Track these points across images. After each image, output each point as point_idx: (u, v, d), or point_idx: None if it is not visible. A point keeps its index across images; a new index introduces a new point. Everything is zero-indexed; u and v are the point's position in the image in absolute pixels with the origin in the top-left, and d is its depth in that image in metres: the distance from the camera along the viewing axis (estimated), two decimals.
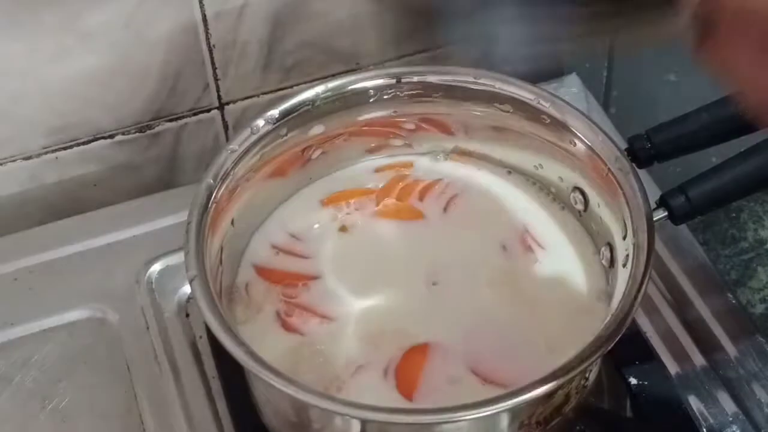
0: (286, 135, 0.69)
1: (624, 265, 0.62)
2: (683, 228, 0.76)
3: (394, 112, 0.71)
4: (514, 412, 0.59)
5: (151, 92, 0.82)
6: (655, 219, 0.62)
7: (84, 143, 0.83)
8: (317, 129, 0.70)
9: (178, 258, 0.72)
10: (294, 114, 0.69)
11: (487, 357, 0.63)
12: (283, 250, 0.70)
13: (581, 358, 0.56)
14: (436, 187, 0.73)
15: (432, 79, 0.70)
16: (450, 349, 0.64)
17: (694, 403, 0.68)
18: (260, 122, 0.67)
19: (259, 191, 0.70)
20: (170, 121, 0.85)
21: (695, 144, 0.67)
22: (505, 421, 0.59)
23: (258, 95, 0.86)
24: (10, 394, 0.69)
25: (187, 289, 0.73)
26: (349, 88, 0.70)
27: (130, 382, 0.69)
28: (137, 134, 0.84)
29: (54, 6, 0.75)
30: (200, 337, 0.71)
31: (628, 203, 0.63)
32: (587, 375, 0.63)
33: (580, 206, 0.70)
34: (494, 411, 0.56)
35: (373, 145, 0.74)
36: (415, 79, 0.70)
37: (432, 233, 0.71)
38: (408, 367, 0.63)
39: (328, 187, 0.73)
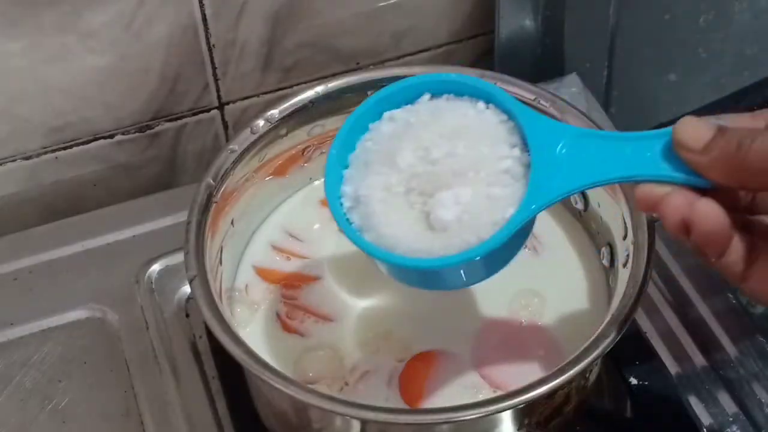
0: (286, 135, 0.69)
1: (624, 265, 0.62)
2: None
3: None
4: (514, 412, 0.59)
5: (151, 92, 0.82)
6: (655, 219, 0.62)
7: (83, 143, 0.83)
8: (317, 129, 0.70)
9: (177, 258, 0.72)
10: (294, 114, 0.68)
11: (494, 363, 0.63)
12: (283, 250, 0.70)
13: (581, 358, 0.56)
14: None
15: None
16: (455, 356, 0.64)
17: (694, 403, 0.67)
18: (260, 122, 0.67)
19: (259, 191, 0.69)
20: (170, 120, 0.85)
21: None
22: (505, 421, 0.59)
23: (258, 95, 0.86)
24: (9, 394, 0.69)
25: (186, 289, 0.72)
26: (349, 87, 0.70)
27: (130, 382, 0.69)
28: (137, 134, 0.84)
29: (54, 6, 0.74)
30: (200, 337, 0.71)
31: (628, 203, 0.63)
32: (588, 375, 0.63)
33: (580, 206, 0.69)
34: (494, 411, 0.55)
35: None
36: None
37: None
38: (411, 375, 0.63)
39: None
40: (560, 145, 0.53)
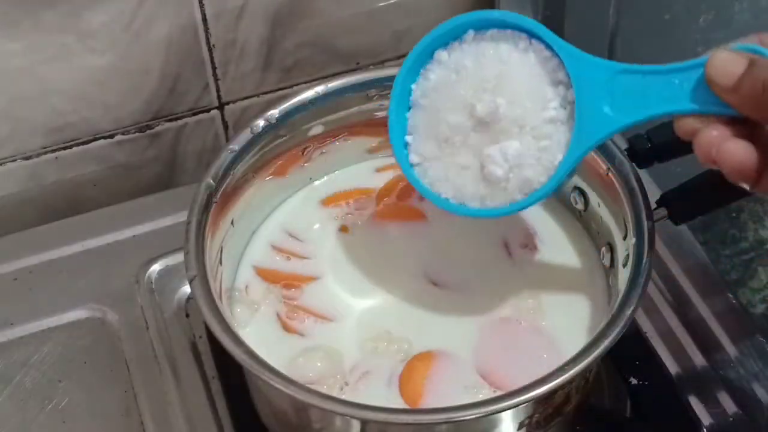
0: (285, 135, 0.69)
1: (624, 265, 0.62)
2: (683, 228, 0.76)
3: None
4: (514, 412, 0.59)
5: (151, 92, 0.82)
6: (655, 219, 0.62)
7: (83, 143, 0.83)
8: (317, 129, 0.70)
9: (177, 258, 0.72)
10: (294, 114, 0.68)
11: (494, 363, 0.63)
12: (282, 250, 0.70)
13: (581, 358, 0.56)
14: None
15: None
16: (455, 356, 0.64)
17: (694, 403, 0.67)
18: (260, 122, 0.67)
19: (259, 191, 0.69)
20: (170, 120, 0.85)
21: None
22: (505, 421, 0.59)
23: (258, 95, 0.86)
24: (9, 394, 0.69)
25: (186, 289, 0.72)
26: (349, 87, 0.70)
27: (130, 382, 0.69)
28: (137, 134, 0.84)
29: (54, 6, 0.74)
30: (200, 337, 0.71)
31: (628, 203, 0.63)
32: (587, 375, 0.63)
33: (580, 206, 0.69)
34: (494, 411, 0.55)
35: (373, 145, 0.73)
36: None
37: (433, 233, 0.70)
38: (411, 375, 0.63)
39: (328, 187, 0.73)
40: (602, 82, 0.55)
